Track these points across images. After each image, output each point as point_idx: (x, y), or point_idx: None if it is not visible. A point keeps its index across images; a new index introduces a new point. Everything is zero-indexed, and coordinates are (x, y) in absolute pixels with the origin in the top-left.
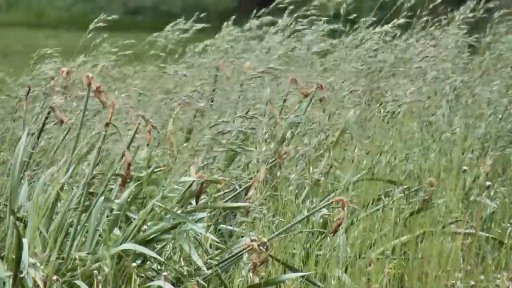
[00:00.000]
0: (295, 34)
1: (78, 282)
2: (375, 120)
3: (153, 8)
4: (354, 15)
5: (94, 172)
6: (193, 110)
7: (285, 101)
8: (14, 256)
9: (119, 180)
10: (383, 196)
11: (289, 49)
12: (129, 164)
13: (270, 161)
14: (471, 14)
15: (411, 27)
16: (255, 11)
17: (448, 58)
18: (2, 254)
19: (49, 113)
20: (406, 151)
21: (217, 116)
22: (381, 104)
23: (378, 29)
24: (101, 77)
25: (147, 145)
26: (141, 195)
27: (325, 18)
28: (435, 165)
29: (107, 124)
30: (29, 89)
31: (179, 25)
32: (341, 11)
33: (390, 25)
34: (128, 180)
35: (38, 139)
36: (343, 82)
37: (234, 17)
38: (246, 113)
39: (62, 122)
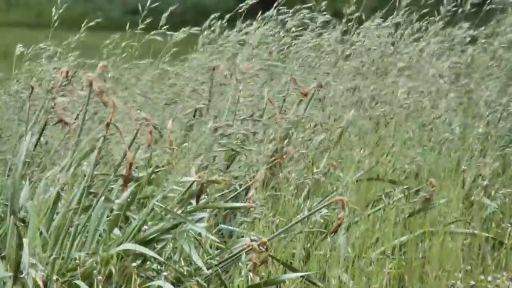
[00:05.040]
0: (291, 31)
1: (78, 282)
2: (374, 119)
3: (153, 8)
4: (356, 13)
5: (95, 172)
6: (192, 110)
7: (284, 100)
8: (14, 256)
9: (121, 180)
10: (383, 196)
11: (285, 46)
12: (131, 164)
13: (270, 161)
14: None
15: (403, 24)
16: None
17: (444, 55)
18: (3, 254)
19: (50, 113)
20: (406, 151)
21: (215, 115)
22: (377, 103)
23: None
24: (101, 77)
25: (149, 146)
26: (141, 195)
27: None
28: (435, 165)
29: (107, 124)
30: (32, 89)
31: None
32: (344, 10)
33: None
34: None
35: (39, 139)
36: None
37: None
38: (251, 116)
39: (63, 122)
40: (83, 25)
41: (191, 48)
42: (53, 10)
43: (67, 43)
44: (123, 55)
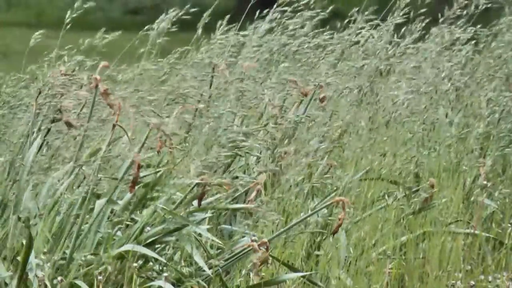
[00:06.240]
0: (290, 31)
1: (79, 283)
2: (375, 119)
3: (153, 8)
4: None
5: (99, 175)
6: (192, 110)
7: (284, 100)
8: (21, 258)
9: (122, 182)
10: (386, 196)
11: (284, 46)
12: (139, 166)
13: (271, 162)
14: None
15: (408, 24)
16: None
17: (444, 55)
18: (4, 255)
19: (56, 115)
20: (406, 151)
21: (216, 115)
22: (377, 104)
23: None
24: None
25: (158, 152)
26: (144, 196)
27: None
28: (435, 165)
29: (113, 126)
30: (40, 92)
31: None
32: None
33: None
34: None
35: (44, 141)
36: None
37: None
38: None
39: (69, 124)
40: (99, 32)
41: (191, 48)
42: (68, 13)
43: (68, 43)
44: (122, 55)
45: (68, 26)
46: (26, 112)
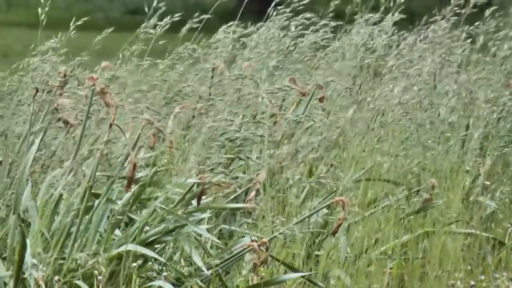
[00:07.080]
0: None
1: (79, 283)
2: (372, 119)
3: (153, 8)
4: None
5: (97, 174)
6: (191, 109)
7: (284, 100)
8: (17, 257)
9: (122, 181)
10: (389, 196)
11: (285, 46)
12: (135, 165)
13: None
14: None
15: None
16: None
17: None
18: (4, 256)
19: (53, 113)
20: (406, 151)
21: (215, 115)
22: (373, 102)
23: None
24: (101, 76)
25: (151, 148)
26: (143, 196)
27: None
28: (434, 165)
29: (110, 125)
30: (37, 91)
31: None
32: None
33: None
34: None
35: (41, 140)
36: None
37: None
38: (254, 117)
39: (67, 123)
40: (102, 32)
41: (191, 47)
42: (39, 10)
43: (67, 42)
44: (120, 54)
45: (67, 26)
46: (25, 111)
